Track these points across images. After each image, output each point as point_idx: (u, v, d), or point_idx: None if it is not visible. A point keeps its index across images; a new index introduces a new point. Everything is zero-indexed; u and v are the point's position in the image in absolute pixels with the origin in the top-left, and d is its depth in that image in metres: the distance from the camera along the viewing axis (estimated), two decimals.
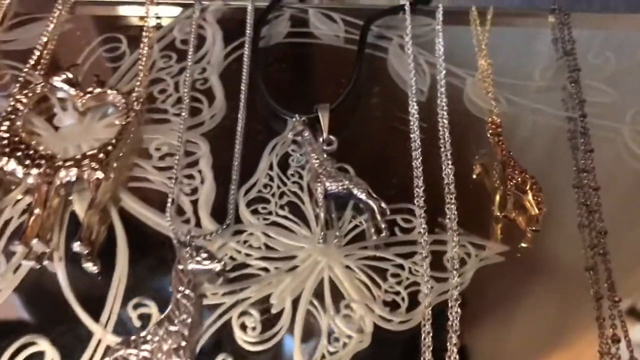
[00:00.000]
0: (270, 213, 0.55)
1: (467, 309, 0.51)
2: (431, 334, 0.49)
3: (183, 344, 0.47)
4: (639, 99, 0.64)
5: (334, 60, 0.68)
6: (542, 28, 0.71)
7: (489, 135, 0.59)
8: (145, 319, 0.50)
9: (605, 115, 0.62)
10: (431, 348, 0.48)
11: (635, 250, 0.55)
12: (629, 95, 0.64)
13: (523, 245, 0.54)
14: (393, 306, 0.51)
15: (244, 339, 0.49)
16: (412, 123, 0.60)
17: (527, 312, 0.52)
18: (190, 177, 0.57)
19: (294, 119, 0.58)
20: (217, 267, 0.51)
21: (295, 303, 0.51)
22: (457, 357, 0.48)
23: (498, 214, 0.55)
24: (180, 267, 0.50)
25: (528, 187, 0.55)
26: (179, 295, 0.49)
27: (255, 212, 0.55)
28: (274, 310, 0.50)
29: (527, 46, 0.70)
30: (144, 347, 0.47)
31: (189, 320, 0.48)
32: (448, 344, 0.49)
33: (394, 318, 0.50)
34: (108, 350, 0.48)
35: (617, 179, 0.60)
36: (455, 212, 0.55)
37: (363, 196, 0.55)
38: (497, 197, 0.57)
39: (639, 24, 0.72)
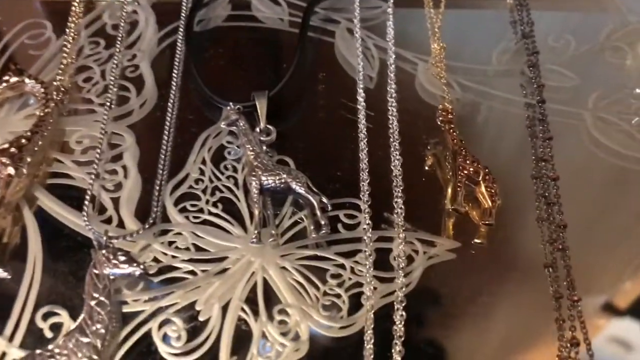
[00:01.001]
0: (200, 211, 0.50)
1: (415, 311, 0.46)
2: (373, 341, 0.44)
3: (95, 357, 0.42)
4: (600, 83, 0.60)
5: (277, 45, 0.63)
6: (499, 10, 0.66)
7: (439, 123, 0.55)
8: (57, 330, 0.45)
9: (566, 101, 0.58)
10: (372, 357, 0.44)
11: (596, 245, 0.51)
12: (590, 79, 0.60)
13: (477, 241, 0.50)
14: (333, 310, 0.46)
15: (166, 351, 0.44)
16: (359, 111, 0.56)
17: (482, 313, 0.48)
18: (113, 172, 0.52)
19: (227, 107, 0.53)
20: (136, 271, 0.45)
21: (225, 309, 0.46)
22: None
23: (449, 207, 0.51)
24: (96, 271, 0.45)
25: (480, 178, 0.51)
26: (92, 303, 0.44)
27: (183, 210, 0.50)
28: (200, 318, 0.45)
29: (484, 29, 0.66)
30: None
31: (103, 331, 0.43)
32: (392, 351, 0.44)
33: (334, 324, 0.45)
34: None
35: (578, 168, 0.56)
36: (403, 207, 0.50)
37: (302, 190, 0.50)
38: (449, 190, 0.52)
39: (599, 5, 0.68)
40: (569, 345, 0.45)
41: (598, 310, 0.49)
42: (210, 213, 0.50)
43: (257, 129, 0.53)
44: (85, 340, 0.43)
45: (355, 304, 0.47)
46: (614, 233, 0.52)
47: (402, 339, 0.44)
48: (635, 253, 0.51)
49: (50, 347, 0.43)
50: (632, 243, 0.52)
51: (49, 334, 0.44)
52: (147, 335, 0.45)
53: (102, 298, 0.44)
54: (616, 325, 0.48)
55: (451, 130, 0.54)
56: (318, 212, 0.49)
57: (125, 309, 0.46)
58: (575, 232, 0.50)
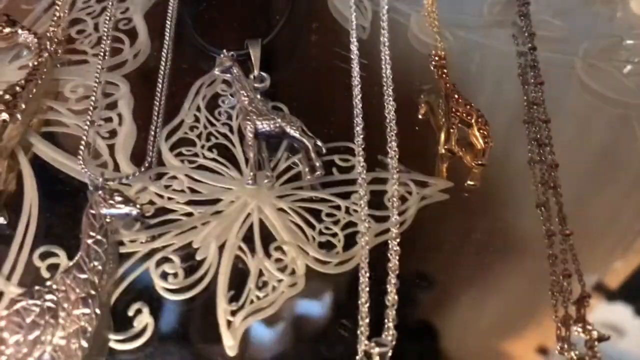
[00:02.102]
0: (195, 155, 0.51)
1: (410, 249, 0.47)
2: (368, 275, 0.45)
3: (93, 292, 0.43)
4: (591, 32, 0.60)
5: None
6: None
7: (432, 68, 0.55)
8: (55, 270, 0.45)
9: (557, 49, 0.59)
10: (368, 290, 0.44)
11: (586, 184, 0.52)
12: (581, 29, 0.60)
13: (469, 183, 0.51)
14: (329, 248, 0.47)
15: (164, 287, 0.44)
16: (352, 60, 0.56)
17: (475, 251, 0.48)
18: (108, 119, 0.52)
19: (221, 55, 0.53)
20: (133, 211, 0.46)
21: (221, 247, 0.46)
22: (396, 298, 0.44)
23: (442, 150, 0.52)
24: (92, 211, 0.46)
25: (473, 120, 0.51)
26: (89, 241, 0.44)
27: (179, 155, 0.50)
28: (197, 257, 0.46)
29: None
30: (48, 297, 0.42)
31: (100, 268, 0.43)
32: (387, 285, 0.45)
33: (330, 260, 0.46)
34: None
35: (569, 112, 0.56)
36: (397, 149, 0.50)
37: (297, 134, 0.50)
38: (442, 135, 0.53)
39: None
40: (561, 277, 0.45)
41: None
42: (205, 157, 0.50)
43: (251, 76, 0.54)
44: (82, 276, 0.43)
45: (351, 243, 0.47)
46: (603, 173, 0.53)
47: (397, 273, 0.45)
48: (625, 193, 0.52)
49: (48, 283, 0.43)
50: (622, 183, 0.53)
51: (46, 274, 0.45)
52: (145, 273, 0.45)
53: (99, 237, 0.45)
54: (608, 309, 0.48)
55: (444, 75, 0.54)
56: (313, 155, 0.50)
57: (122, 250, 0.46)
58: (566, 172, 0.51)
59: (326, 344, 0.44)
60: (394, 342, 0.41)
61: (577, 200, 0.50)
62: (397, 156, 0.50)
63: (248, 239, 0.47)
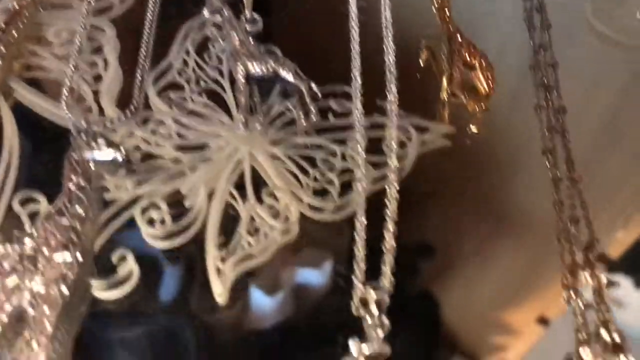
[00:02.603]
0: (184, 100, 0.48)
1: (408, 196, 0.45)
2: (366, 223, 0.43)
3: (74, 238, 0.40)
4: None
5: None
6: None
7: (434, 11, 0.52)
8: (35, 216, 0.43)
9: None
10: (365, 238, 0.42)
11: (594, 129, 0.49)
12: None
13: (472, 129, 0.48)
14: (324, 195, 0.45)
15: (150, 233, 0.42)
16: (350, 1, 0.53)
17: (478, 196, 0.46)
18: (93, 64, 0.50)
19: None
20: (117, 155, 0.44)
21: (211, 194, 0.44)
22: (394, 244, 0.41)
23: (444, 96, 0.49)
24: (75, 155, 0.43)
25: (477, 63, 0.49)
26: (71, 186, 0.42)
27: (167, 99, 0.48)
28: (186, 203, 0.44)
29: None
30: (27, 242, 0.40)
31: (82, 213, 0.41)
32: (384, 231, 0.42)
33: (326, 206, 0.44)
34: None
35: (577, 58, 0.54)
36: (396, 94, 0.48)
37: (290, 77, 0.48)
38: (444, 79, 0.50)
39: None
40: (568, 223, 0.43)
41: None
42: (193, 102, 0.48)
43: (243, 18, 0.51)
44: (64, 222, 0.41)
45: (347, 191, 0.45)
46: (612, 120, 0.51)
47: (395, 221, 0.43)
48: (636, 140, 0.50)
49: (27, 229, 0.41)
50: (632, 129, 0.50)
51: (27, 221, 0.42)
52: (130, 220, 0.43)
53: (81, 182, 0.42)
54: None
55: (447, 17, 0.51)
56: (307, 100, 0.47)
57: (107, 196, 0.44)
58: (574, 118, 0.48)
59: (321, 292, 0.42)
60: (390, 288, 0.39)
61: (585, 147, 0.48)
62: (396, 101, 0.48)
63: (239, 185, 0.44)
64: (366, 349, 0.37)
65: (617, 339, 0.38)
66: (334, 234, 0.44)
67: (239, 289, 0.41)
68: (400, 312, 0.39)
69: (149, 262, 0.41)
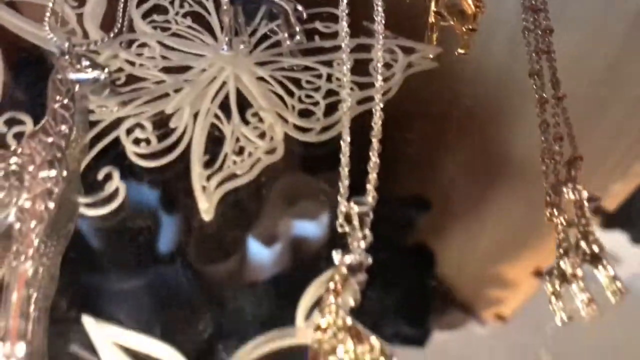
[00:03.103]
0: (168, 22, 0.48)
1: (394, 117, 0.45)
2: (350, 143, 0.43)
3: (59, 155, 0.41)
4: None
5: None
6: None
7: None
8: (20, 137, 0.43)
9: None
10: (349, 156, 0.42)
11: (580, 50, 0.49)
12: None
13: (460, 51, 0.48)
14: (309, 115, 0.45)
15: (136, 152, 0.42)
16: None
17: (463, 116, 0.46)
18: None
19: None
20: (101, 75, 0.43)
21: (196, 115, 0.44)
22: (378, 162, 0.41)
23: (432, 16, 0.49)
24: (59, 76, 0.43)
25: None
26: (56, 106, 0.42)
27: (151, 22, 0.48)
28: (171, 124, 0.44)
29: None
30: (13, 160, 0.40)
31: (67, 131, 0.41)
32: (370, 151, 0.42)
33: (311, 127, 0.44)
34: None
35: None
36: (383, 15, 0.47)
37: None
38: (432, 3, 0.49)
39: None
40: (552, 140, 0.43)
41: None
42: (177, 24, 0.48)
43: None
44: (48, 140, 0.41)
45: (333, 112, 0.45)
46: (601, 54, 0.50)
47: (380, 140, 0.43)
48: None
49: (12, 147, 0.41)
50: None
51: (12, 141, 0.43)
52: (116, 140, 0.43)
53: (65, 101, 0.42)
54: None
55: None
56: (293, 21, 0.47)
57: (92, 118, 0.44)
58: (559, 39, 0.48)
59: (306, 209, 0.42)
60: (373, 204, 0.40)
61: (572, 66, 0.48)
62: (383, 22, 0.47)
63: (224, 106, 0.44)
64: (348, 259, 0.37)
65: (596, 250, 0.38)
66: (320, 154, 0.44)
67: (224, 207, 0.41)
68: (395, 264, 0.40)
69: (135, 180, 0.42)
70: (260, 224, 0.42)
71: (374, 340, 0.35)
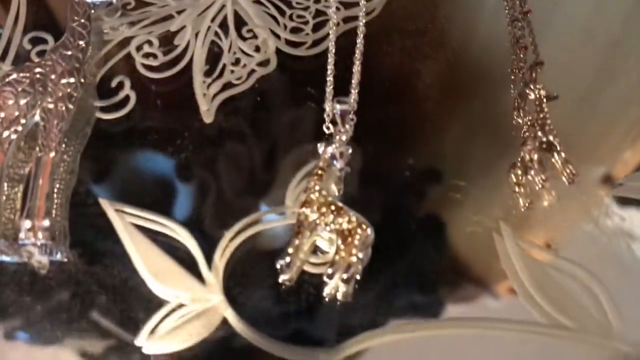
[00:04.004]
0: None
1: (378, 35, 0.49)
2: (335, 58, 0.47)
3: (78, 66, 0.46)
4: None
5: None
6: None
7: None
8: (43, 54, 0.48)
9: None
10: (334, 73, 0.47)
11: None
12: None
13: None
14: (299, 32, 0.50)
15: (144, 64, 0.48)
16: None
17: (441, 39, 0.51)
18: None
19: None
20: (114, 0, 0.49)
21: (198, 33, 0.49)
22: (360, 69, 0.46)
23: None
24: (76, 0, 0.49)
25: None
26: (74, 24, 0.48)
27: None
28: (175, 41, 0.49)
29: None
30: (37, 70, 0.46)
31: (84, 46, 0.47)
32: (354, 60, 0.47)
33: (301, 41, 0.49)
34: None
35: None
36: None
37: None
38: None
39: None
40: (519, 51, 0.48)
41: None
42: None
43: None
44: (68, 53, 0.46)
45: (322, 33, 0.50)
46: None
47: (362, 50, 0.47)
48: None
49: (36, 60, 0.47)
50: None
51: (35, 58, 0.48)
52: (127, 55, 0.48)
53: (82, 20, 0.48)
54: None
55: None
56: None
57: (106, 37, 0.49)
58: None
59: (294, 114, 0.47)
60: (355, 104, 0.45)
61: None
62: None
63: (223, 25, 0.50)
64: (330, 149, 0.42)
65: (551, 138, 0.43)
66: (310, 67, 0.49)
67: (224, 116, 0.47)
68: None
69: (144, 88, 0.47)
70: (256, 127, 0.47)
71: (354, 214, 0.40)
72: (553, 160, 0.43)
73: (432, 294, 0.41)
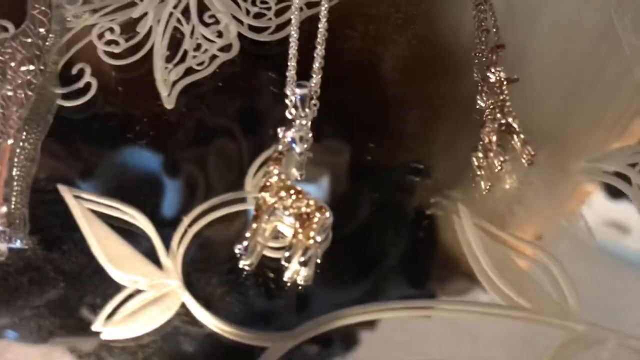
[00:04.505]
0: None
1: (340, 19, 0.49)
2: (298, 44, 0.47)
3: (38, 53, 0.46)
4: None
5: None
6: None
7: None
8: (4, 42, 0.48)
9: None
10: (296, 59, 0.46)
11: None
12: None
13: None
14: (262, 17, 0.49)
15: (106, 51, 0.47)
16: None
17: (401, 24, 0.51)
18: None
19: None
20: None
21: (159, 19, 0.49)
22: (324, 52, 0.46)
23: None
24: None
25: None
26: (35, 12, 0.47)
27: None
28: (137, 28, 0.48)
29: None
30: None
31: (45, 33, 0.47)
32: (316, 44, 0.47)
33: (263, 26, 0.49)
34: None
35: None
36: None
37: None
38: None
39: None
40: (481, 34, 0.48)
41: None
42: None
43: None
44: (28, 40, 0.46)
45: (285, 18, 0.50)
46: None
47: (325, 35, 0.47)
48: None
49: None
50: None
51: None
52: (88, 43, 0.48)
53: (43, 7, 0.48)
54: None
55: None
56: None
57: (68, 25, 0.49)
58: None
59: (256, 100, 0.47)
60: (318, 88, 0.44)
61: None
62: None
63: (185, 12, 0.49)
64: (290, 133, 0.42)
65: (510, 120, 0.43)
66: (272, 54, 0.49)
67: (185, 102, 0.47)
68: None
69: (105, 75, 0.47)
70: (217, 112, 0.47)
71: (314, 198, 0.40)
72: (512, 142, 0.43)
73: (391, 277, 0.41)
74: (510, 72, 0.45)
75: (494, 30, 0.47)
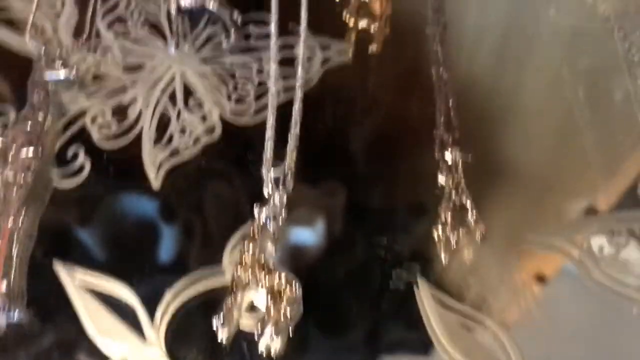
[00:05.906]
0: (128, 30, 0.58)
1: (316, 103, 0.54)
2: (274, 128, 0.52)
3: (36, 138, 0.50)
4: None
5: None
6: None
7: None
8: (5, 127, 0.52)
9: None
10: (273, 140, 0.51)
11: None
12: None
13: (372, 47, 0.57)
14: (243, 102, 0.54)
15: (98, 136, 0.52)
16: None
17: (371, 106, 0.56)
18: (53, 5, 0.60)
19: None
20: (71, 74, 0.54)
21: (148, 104, 0.54)
22: (298, 133, 0.51)
23: (346, 19, 0.58)
24: (37, 76, 0.53)
25: None
26: (34, 99, 0.52)
27: (114, 30, 0.58)
28: (128, 112, 0.53)
29: None
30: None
31: (43, 119, 0.51)
32: (290, 125, 0.51)
33: (244, 111, 0.53)
34: None
35: None
36: (306, 18, 0.57)
37: (215, 7, 0.57)
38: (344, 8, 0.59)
39: None
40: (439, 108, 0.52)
41: None
42: (137, 31, 0.58)
43: None
44: (28, 125, 0.51)
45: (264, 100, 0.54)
46: None
47: (298, 126, 0.52)
48: None
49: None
50: None
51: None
52: (83, 128, 0.53)
53: (42, 95, 0.52)
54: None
55: None
56: (229, 25, 0.57)
57: (64, 108, 0.54)
58: None
59: (236, 179, 0.52)
60: (292, 168, 0.49)
61: None
62: (306, 23, 0.57)
63: (172, 96, 0.54)
64: (265, 211, 0.47)
65: (464, 200, 0.47)
66: (253, 136, 0.53)
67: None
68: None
69: (98, 158, 0.51)
70: (200, 191, 0.51)
71: (285, 274, 0.44)
72: (467, 219, 0.47)
73: (355, 348, 0.45)
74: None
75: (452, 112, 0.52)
